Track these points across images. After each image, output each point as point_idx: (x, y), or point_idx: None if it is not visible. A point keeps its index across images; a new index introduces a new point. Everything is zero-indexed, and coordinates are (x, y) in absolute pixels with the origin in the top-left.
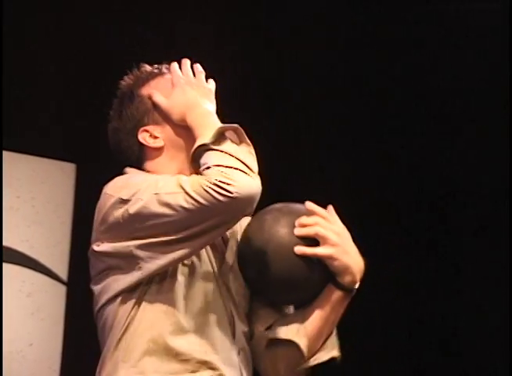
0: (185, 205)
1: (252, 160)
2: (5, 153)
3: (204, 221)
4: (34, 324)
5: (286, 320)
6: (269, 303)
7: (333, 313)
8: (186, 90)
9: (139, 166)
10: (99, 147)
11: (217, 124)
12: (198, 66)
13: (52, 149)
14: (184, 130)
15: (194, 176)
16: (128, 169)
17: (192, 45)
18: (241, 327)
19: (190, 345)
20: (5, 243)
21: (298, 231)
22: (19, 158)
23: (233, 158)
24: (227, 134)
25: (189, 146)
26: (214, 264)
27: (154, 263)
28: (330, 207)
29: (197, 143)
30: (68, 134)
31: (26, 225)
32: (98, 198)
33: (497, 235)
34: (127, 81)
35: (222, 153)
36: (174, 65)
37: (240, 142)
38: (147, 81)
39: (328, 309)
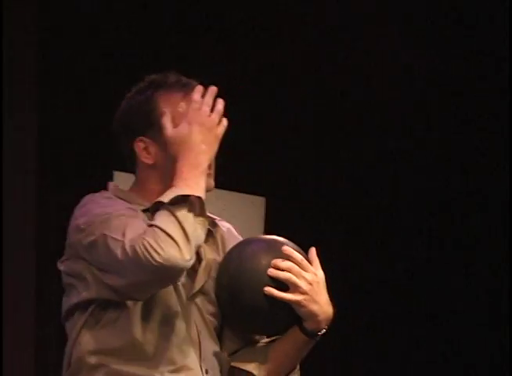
0: (118, 255)
1: (198, 235)
2: None
3: (132, 275)
4: None
5: (251, 351)
6: (237, 329)
7: (297, 352)
8: (193, 131)
9: (133, 168)
10: (288, 181)
11: (195, 184)
12: (220, 102)
13: (242, 183)
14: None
15: (141, 228)
16: (110, 185)
17: None
18: (210, 347)
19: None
20: None
21: (271, 272)
22: (211, 193)
23: (178, 227)
24: (192, 199)
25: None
26: (185, 282)
27: (96, 290)
28: (312, 251)
29: (160, 198)
30: (257, 168)
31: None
32: (287, 230)
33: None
34: (154, 79)
35: (171, 218)
36: (197, 92)
37: (200, 214)
38: (169, 91)
39: (292, 347)
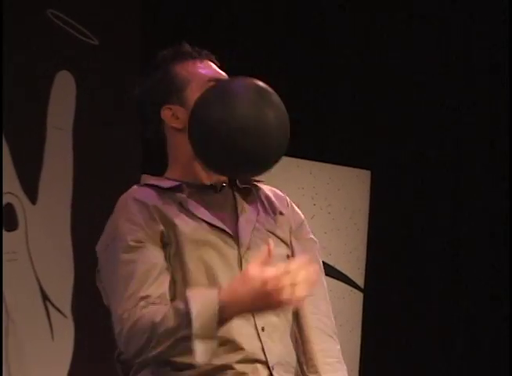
0: (112, 313)
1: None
2: (301, 162)
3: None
4: None
5: None
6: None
7: None
8: (261, 296)
9: (161, 142)
10: (394, 154)
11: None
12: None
13: (347, 157)
14: None
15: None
16: (143, 177)
17: None
18: None
19: None
20: None
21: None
22: (316, 166)
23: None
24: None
25: None
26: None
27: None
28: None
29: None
30: (363, 142)
31: (322, 232)
32: (392, 204)
33: None
34: (167, 53)
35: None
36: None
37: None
38: (185, 60)
39: None
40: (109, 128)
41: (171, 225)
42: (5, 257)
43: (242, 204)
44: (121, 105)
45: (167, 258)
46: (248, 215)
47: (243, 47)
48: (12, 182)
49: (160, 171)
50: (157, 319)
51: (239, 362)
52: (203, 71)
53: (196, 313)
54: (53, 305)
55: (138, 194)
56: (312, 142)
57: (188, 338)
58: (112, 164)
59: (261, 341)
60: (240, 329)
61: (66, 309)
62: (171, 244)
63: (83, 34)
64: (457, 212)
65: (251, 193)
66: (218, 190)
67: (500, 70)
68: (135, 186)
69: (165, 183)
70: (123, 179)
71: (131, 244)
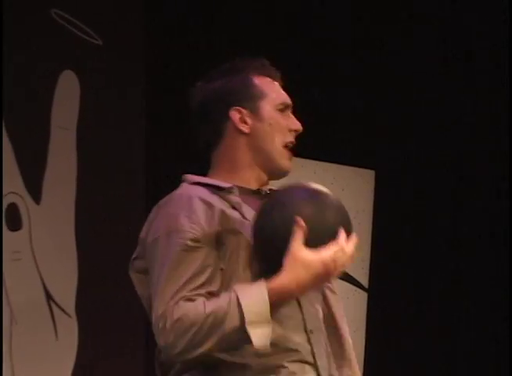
0: (153, 308)
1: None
2: (305, 161)
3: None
4: None
5: None
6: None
7: None
8: (320, 270)
9: (214, 146)
10: (397, 154)
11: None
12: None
13: (351, 157)
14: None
15: (184, 294)
16: (190, 176)
17: None
18: (309, 309)
19: None
20: None
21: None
22: (320, 166)
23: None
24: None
25: (265, 155)
26: None
27: None
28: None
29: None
30: (367, 141)
31: None
32: (397, 204)
33: None
34: (247, 62)
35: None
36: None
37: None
38: (265, 75)
39: None
40: (113, 128)
41: (230, 229)
42: (9, 256)
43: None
44: (125, 105)
45: (221, 259)
46: None
47: (245, 46)
48: (15, 182)
49: (163, 172)
50: (206, 310)
51: (291, 362)
52: (278, 93)
53: (247, 301)
54: (57, 304)
55: (201, 193)
56: (316, 142)
57: (241, 328)
58: (115, 164)
59: (310, 344)
60: (293, 332)
61: (70, 308)
62: (226, 246)
63: (87, 34)
64: (457, 212)
65: None
66: (262, 196)
67: (500, 70)
68: (185, 184)
69: (220, 184)
70: (126, 179)
71: (189, 242)
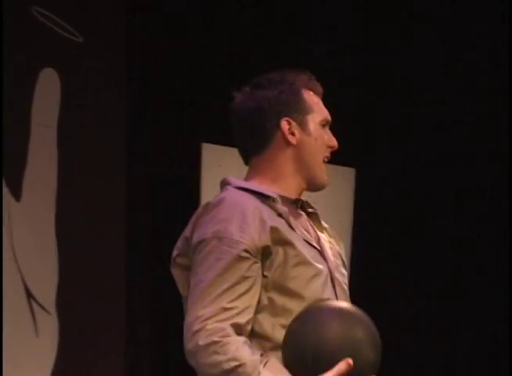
0: (188, 319)
1: None
2: None
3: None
4: None
5: None
6: None
7: None
8: None
9: (257, 153)
10: (377, 152)
11: None
12: None
13: (332, 155)
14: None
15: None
16: (234, 180)
17: None
18: None
19: None
20: None
21: None
22: None
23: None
24: None
25: (308, 168)
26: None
27: None
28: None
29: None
30: (347, 139)
31: None
32: (377, 203)
33: None
34: (298, 75)
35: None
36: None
37: None
38: (312, 90)
39: None
40: (93, 126)
41: (279, 241)
42: None
43: (312, 222)
44: (106, 103)
45: (266, 269)
46: (322, 233)
47: (239, 46)
48: None
49: (144, 170)
50: (228, 366)
51: None
52: (322, 109)
53: None
54: (37, 302)
55: (252, 202)
56: None
57: None
58: (96, 162)
59: None
60: None
61: (51, 306)
62: (273, 257)
63: (68, 32)
64: (458, 212)
65: (315, 216)
66: (299, 206)
67: (500, 70)
68: (231, 188)
69: (266, 192)
70: (107, 178)
71: (242, 253)
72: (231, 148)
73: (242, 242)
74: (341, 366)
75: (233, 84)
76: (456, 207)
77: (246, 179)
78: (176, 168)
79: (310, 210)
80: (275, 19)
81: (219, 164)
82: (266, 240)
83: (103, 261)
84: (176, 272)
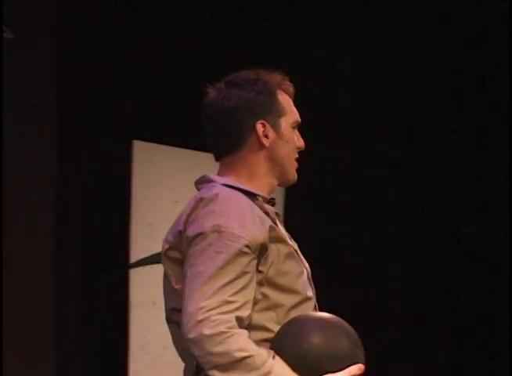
0: (186, 306)
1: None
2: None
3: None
4: None
5: None
6: None
7: None
8: None
9: (230, 152)
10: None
11: None
12: None
13: None
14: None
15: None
16: (212, 177)
17: None
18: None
19: None
20: None
21: None
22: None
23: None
24: None
25: (280, 167)
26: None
27: None
28: None
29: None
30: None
31: None
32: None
33: None
34: (273, 76)
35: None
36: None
37: None
38: (285, 91)
39: None
40: (24, 125)
41: (273, 238)
42: None
43: (279, 217)
44: (37, 101)
45: (262, 264)
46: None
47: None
48: None
49: (75, 170)
50: (238, 355)
51: None
52: (293, 111)
53: None
54: None
55: (244, 198)
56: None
57: None
58: (27, 163)
59: None
60: None
61: None
62: (268, 254)
63: None
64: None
65: (279, 216)
66: (273, 204)
67: (500, 70)
68: (218, 185)
69: (254, 191)
70: (38, 178)
71: (243, 249)
72: (162, 145)
73: (243, 237)
74: (353, 369)
75: (169, 80)
76: (456, 207)
77: (219, 176)
78: (107, 166)
79: (276, 210)
80: (276, 19)
81: (150, 161)
82: (265, 237)
83: (33, 261)
84: (168, 266)
